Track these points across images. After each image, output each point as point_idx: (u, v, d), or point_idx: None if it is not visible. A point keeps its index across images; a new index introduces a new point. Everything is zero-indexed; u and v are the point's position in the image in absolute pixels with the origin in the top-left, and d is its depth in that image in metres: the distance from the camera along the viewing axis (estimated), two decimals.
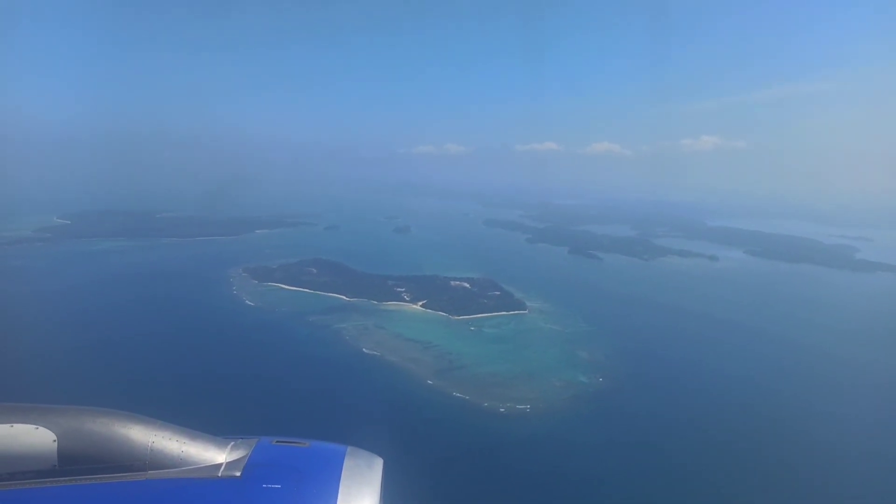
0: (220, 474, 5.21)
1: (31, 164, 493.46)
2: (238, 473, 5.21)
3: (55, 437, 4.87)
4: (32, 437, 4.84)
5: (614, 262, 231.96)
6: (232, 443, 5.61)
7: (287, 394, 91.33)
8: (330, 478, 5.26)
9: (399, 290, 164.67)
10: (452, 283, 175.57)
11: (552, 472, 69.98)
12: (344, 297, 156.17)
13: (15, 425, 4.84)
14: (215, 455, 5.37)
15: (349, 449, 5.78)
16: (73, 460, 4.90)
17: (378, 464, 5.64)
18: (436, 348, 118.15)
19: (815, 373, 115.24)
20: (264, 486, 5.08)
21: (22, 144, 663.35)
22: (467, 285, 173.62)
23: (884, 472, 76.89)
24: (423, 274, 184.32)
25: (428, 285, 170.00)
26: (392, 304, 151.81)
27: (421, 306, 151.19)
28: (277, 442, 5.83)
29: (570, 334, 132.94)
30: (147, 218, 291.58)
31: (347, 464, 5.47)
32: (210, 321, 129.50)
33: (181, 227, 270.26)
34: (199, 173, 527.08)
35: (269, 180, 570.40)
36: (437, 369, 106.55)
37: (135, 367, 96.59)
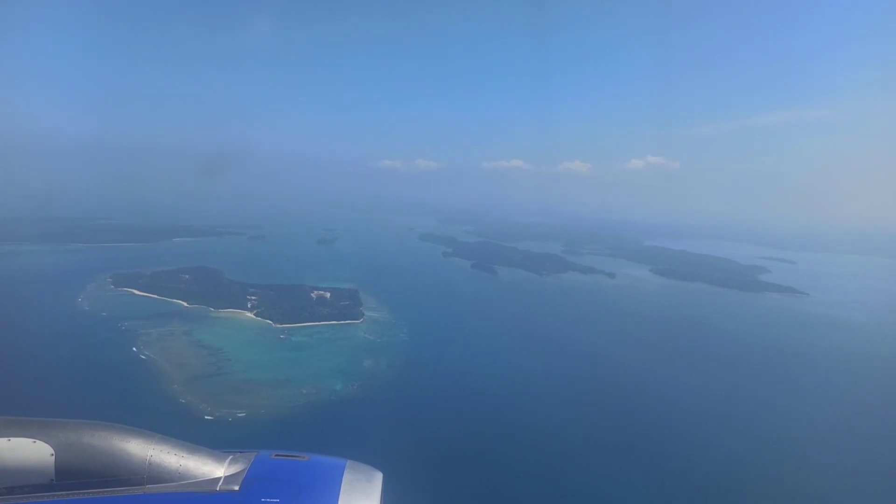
0: (218, 488, 5.19)
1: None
2: (236, 487, 5.19)
3: (53, 451, 4.81)
4: (29, 450, 4.78)
5: (507, 277, 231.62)
6: (231, 456, 5.61)
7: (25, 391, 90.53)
8: (329, 492, 5.22)
9: (251, 297, 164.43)
10: (314, 292, 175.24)
11: None
12: (184, 304, 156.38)
13: (12, 439, 4.79)
14: (214, 469, 5.36)
15: (349, 463, 5.75)
16: (71, 474, 4.84)
17: (378, 478, 5.61)
18: (220, 355, 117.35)
19: (580, 383, 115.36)
20: (263, 500, 5.04)
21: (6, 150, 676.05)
22: (327, 295, 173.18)
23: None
24: (292, 283, 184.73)
25: (285, 294, 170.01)
26: (227, 312, 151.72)
27: (254, 314, 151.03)
28: (276, 456, 5.82)
29: (379, 344, 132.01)
30: (79, 224, 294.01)
31: (347, 478, 5.46)
32: (20, 322, 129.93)
33: (104, 233, 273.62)
34: (175, 185, 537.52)
35: (240, 194, 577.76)
36: (195, 375, 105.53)
37: None
